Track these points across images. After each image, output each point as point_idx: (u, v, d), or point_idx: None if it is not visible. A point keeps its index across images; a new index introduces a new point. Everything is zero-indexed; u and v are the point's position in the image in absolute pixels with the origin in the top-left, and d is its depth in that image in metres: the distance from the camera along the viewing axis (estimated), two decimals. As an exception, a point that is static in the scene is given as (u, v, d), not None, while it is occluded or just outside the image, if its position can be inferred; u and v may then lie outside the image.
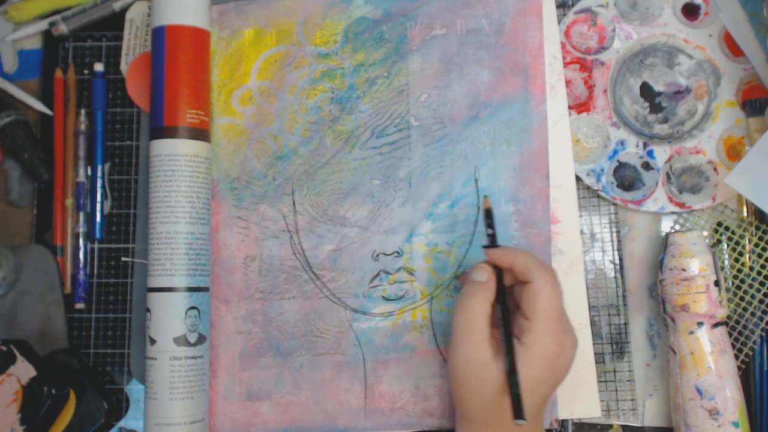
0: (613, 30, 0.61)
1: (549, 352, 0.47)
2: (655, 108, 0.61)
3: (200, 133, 0.57)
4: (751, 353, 0.56)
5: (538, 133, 0.59)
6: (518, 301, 0.49)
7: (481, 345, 0.47)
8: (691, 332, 0.54)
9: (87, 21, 0.64)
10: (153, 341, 0.55)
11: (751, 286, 0.57)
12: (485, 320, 0.48)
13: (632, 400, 0.58)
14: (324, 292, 0.59)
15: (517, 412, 0.44)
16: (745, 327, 0.57)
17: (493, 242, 0.52)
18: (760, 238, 0.58)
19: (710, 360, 0.54)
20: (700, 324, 0.54)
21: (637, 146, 0.60)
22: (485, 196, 0.55)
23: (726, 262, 0.58)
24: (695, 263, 0.54)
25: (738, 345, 0.57)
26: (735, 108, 0.59)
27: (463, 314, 0.48)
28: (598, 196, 0.60)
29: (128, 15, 0.64)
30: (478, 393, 0.47)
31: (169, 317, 0.55)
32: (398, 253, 0.59)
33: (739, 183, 0.55)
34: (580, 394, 0.56)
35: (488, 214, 0.52)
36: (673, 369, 0.55)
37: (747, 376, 0.56)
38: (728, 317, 0.56)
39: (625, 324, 0.59)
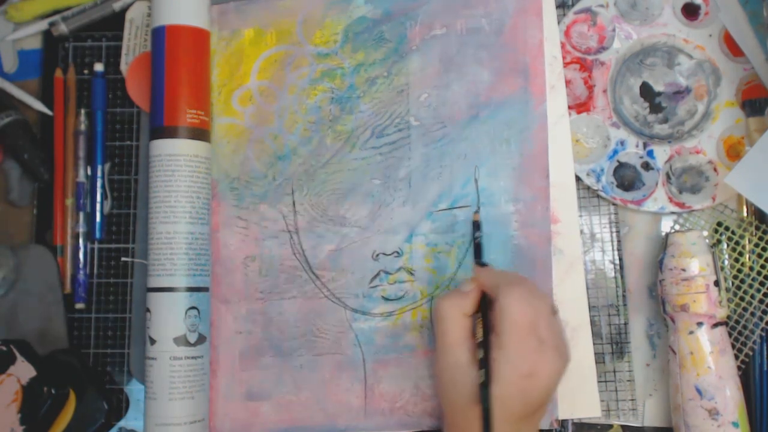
0: (613, 30, 0.61)
1: (518, 370, 0.45)
2: (655, 108, 0.61)
3: (200, 133, 0.57)
4: (751, 353, 0.56)
5: (538, 133, 0.59)
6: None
7: (453, 348, 0.48)
8: (691, 332, 0.54)
9: (87, 21, 0.64)
10: (153, 341, 0.55)
11: (751, 286, 0.57)
12: (458, 325, 0.48)
13: (632, 400, 0.58)
14: (324, 292, 0.59)
15: (485, 427, 0.44)
16: (745, 327, 0.57)
17: (478, 256, 0.55)
18: (760, 238, 0.58)
19: (710, 360, 0.54)
20: (699, 324, 0.54)
21: (637, 146, 0.60)
22: (476, 211, 0.57)
23: (726, 262, 0.58)
24: (695, 263, 0.54)
25: (738, 345, 0.57)
26: (735, 108, 0.59)
27: (437, 316, 0.50)
28: (598, 196, 0.60)
29: (128, 15, 0.64)
30: (450, 396, 0.48)
31: (169, 317, 0.55)
32: (398, 253, 0.59)
33: (739, 183, 0.55)
34: (580, 394, 0.56)
35: (476, 226, 0.56)
36: (673, 369, 0.55)
37: (747, 376, 0.56)
38: (728, 317, 0.56)
39: (625, 324, 0.59)
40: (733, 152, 0.59)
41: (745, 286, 0.57)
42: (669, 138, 0.61)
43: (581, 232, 0.59)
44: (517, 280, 0.49)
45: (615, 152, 0.60)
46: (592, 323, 0.58)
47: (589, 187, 0.60)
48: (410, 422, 0.57)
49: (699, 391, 0.53)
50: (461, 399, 0.47)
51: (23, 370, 0.54)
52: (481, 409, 0.45)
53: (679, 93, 0.61)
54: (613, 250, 0.59)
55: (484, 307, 0.49)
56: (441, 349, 0.49)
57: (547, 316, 0.47)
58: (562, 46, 0.60)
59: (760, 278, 0.57)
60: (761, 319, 0.57)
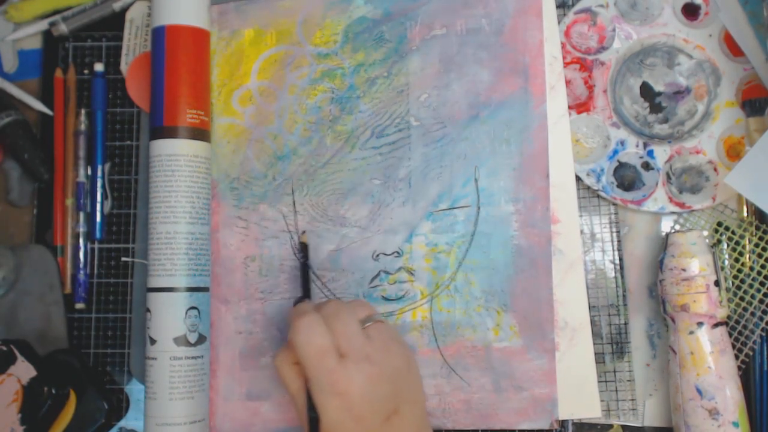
0: (613, 30, 0.61)
1: (325, 393, 0.46)
2: (655, 108, 0.61)
3: (200, 133, 0.57)
4: (751, 353, 0.57)
5: (538, 133, 0.59)
6: None
7: (296, 396, 0.50)
8: (691, 332, 0.54)
9: (87, 21, 0.64)
10: (153, 341, 0.55)
11: (751, 286, 0.57)
12: (292, 375, 0.50)
13: (632, 400, 0.58)
14: (324, 293, 0.59)
15: None
16: (745, 327, 0.57)
17: (304, 287, 0.56)
18: (760, 238, 0.58)
19: (710, 360, 0.54)
20: (700, 324, 0.54)
21: (637, 146, 0.60)
22: (303, 232, 0.58)
23: (726, 262, 0.58)
24: (695, 263, 0.54)
25: (738, 345, 0.57)
26: (735, 108, 0.59)
27: (277, 373, 0.51)
28: (598, 196, 0.60)
29: (128, 15, 0.64)
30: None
31: (169, 317, 0.55)
32: (398, 253, 0.59)
33: (739, 183, 0.55)
34: (580, 394, 0.56)
35: (303, 248, 0.57)
36: (673, 369, 0.55)
37: (747, 376, 0.56)
38: (728, 317, 0.56)
39: (625, 324, 0.59)
40: (733, 152, 0.59)
41: (745, 286, 0.57)
42: (669, 138, 0.61)
43: (581, 232, 0.59)
44: (303, 311, 0.49)
45: (615, 152, 0.60)
46: (592, 323, 0.58)
47: (589, 187, 0.60)
48: (410, 422, 0.57)
49: (699, 391, 0.53)
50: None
51: (23, 370, 0.54)
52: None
53: (679, 93, 0.61)
54: (613, 250, 0.59)
55: None
56: (292, 399, 0.50)
57: (349, 331, 0.48)
58: (562, 46, 0.60)
59: (760, 278, 0.57)
60: (761, 319, 0.57)
